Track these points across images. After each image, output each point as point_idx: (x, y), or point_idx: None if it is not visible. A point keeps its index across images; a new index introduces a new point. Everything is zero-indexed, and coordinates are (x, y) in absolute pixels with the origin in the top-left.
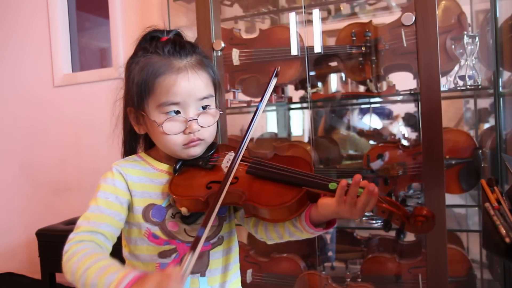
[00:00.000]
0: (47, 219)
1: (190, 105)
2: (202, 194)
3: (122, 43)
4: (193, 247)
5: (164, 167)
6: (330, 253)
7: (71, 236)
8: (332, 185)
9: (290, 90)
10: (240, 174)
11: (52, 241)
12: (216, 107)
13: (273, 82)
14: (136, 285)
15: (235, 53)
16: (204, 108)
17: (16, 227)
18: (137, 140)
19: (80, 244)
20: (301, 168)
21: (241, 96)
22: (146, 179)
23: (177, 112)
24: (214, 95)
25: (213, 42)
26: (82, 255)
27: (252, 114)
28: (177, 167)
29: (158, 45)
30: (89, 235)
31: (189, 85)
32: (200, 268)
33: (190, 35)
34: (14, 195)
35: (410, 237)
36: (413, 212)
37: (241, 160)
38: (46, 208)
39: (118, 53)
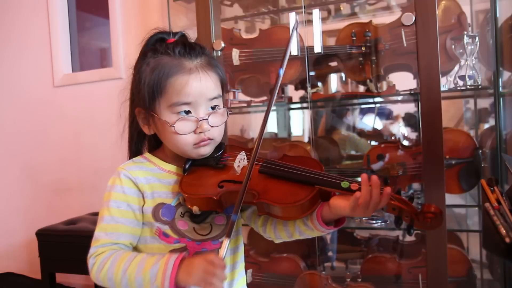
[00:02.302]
0: (47, 219)
1: (201, 105)
2: (214, 193)
3: (122, 43)
4: (229, 233)
5: (171, 168)
6: (330, 253)
7: (91, 250)
8: (344, 184)
9: (290, 90)
10: (253, 173)
11: (52, 241)
12: (224, 107)
13: (294, 35)
14: (182, 272)
15: (235, 53)
16: (213, 108)
17: (16, 227)
18: (143, 141)
19: (104, 253)
20: (312, 168)
21: (241, 96)
22: (154, 179)
23: (188, 112)
24: (222, 95)
25: (213, 42)
26: (112, 259)
27: (252, 114)
28: (187, 166)
29: (168, 46)
30: (109, 247)
31: (201, 85)
32: None
33: (190, 35)
34: (15, 195)
35: (410, 237)
36: (422, 209)
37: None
38: (46, 208)
39: (118, 53)
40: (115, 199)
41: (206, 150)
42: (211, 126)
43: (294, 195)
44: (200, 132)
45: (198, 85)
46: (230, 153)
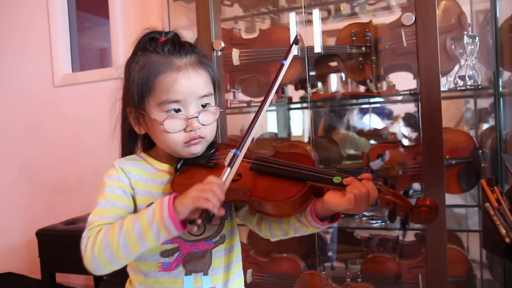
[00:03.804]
0: (47, 219)
1: (191, 103)
2: None
3: (122, 43)
4: (230, 163)
5: (165, 167)
6: (330, 253)
7: (84, 233)
8: (336, 179)
9: (290, 90)
10: (244, 171)
11: (52, 241)
12: (215, 105)
13: (293, 50)
14: (179, 198)
15: (235, 53)
16: (204, 106)
17: (16, 227)
18: (135, 141)
19: (97, 229)
20: (304, 164)
21: (241, 96)
22: (147, 178)
23: (178, 110)
24: (213, 93)
25: (213, 42)
26: (106, 228)
27: (252, 114)
28: (178, 166)
29: (157, 45)
30: (103, 226)
31: (190, 83)
32: (203, 267)
33: (190, 35)
34: (14, 195)
35: (410, 237)
36: (417, 203)
37: (244, 157)
38: (46, 208)
39: (118, 53)
40: (111, 185)
41: (197, 149)
42: (202, 124)
43: (285, 192)
44: (191, 131)
45: (187, 83)
46: (221, 152)
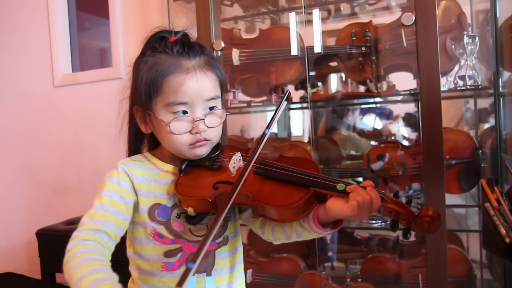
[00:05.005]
0: (47, 219)
1: (198, 105)
2: (209, 194)
3: (122, 43)
4: (181, 282)
5: (169, 167)
6: (330, 253)
7: (75, 234)
8: (340, 186)
9: (290, 90)
10: (248, 175)
11: (52, 241)
12: (222, 108)
13: (283, 105)
14: None
15: (235, 53)
16: (210, 109)
17: (16, 227)
18: (142, 139)
19: (82, 245)
20: (308, 169)
21: (241, 96)
22: (151, 179)
23: (184, 112)
24: (220, 96)
25: (213, 42)
26: (80, 260)
27: (252, 114)
28: (183, 167)
29: (167, 45)
30: (92, 234)
31: (198, 85)
32: (206, 268)
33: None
34: (14, 195)
35: (410, 237)
36: (419, 213)
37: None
38: (46, 208)
39: (118, 53)
40: (109, 189)
41: (202, 151)
42: (208, 127)
43: (288, 197)
44: (196, 133)
45: (195, 85)
46: (226, 154)
